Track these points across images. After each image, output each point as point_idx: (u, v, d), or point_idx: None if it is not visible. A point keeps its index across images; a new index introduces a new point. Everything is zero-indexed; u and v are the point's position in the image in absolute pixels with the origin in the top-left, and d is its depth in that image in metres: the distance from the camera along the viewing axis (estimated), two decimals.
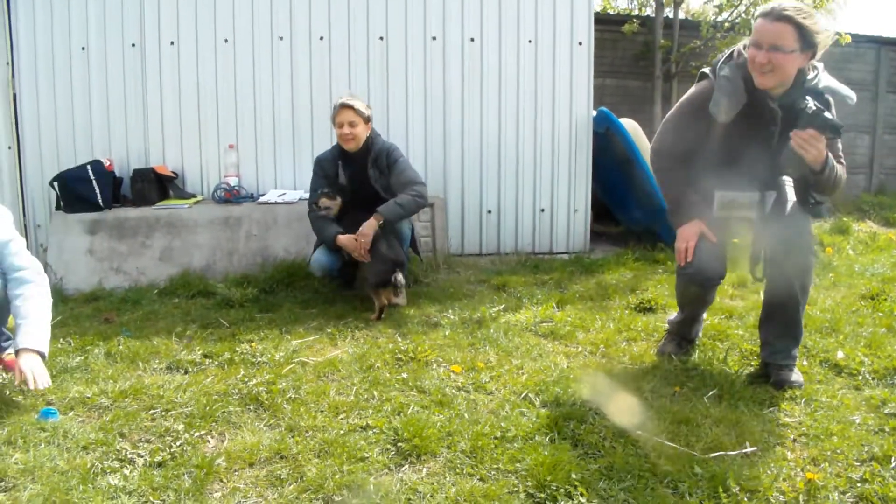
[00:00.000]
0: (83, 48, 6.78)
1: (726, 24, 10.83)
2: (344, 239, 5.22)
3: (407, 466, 2.98)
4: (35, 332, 3.64)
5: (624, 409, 3.50)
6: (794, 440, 3.21)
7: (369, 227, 5.15)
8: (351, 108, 5.36)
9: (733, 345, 4.42)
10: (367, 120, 5.46)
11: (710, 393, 3.67)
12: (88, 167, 6.41)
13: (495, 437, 3.17)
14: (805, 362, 4.11)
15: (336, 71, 6.98)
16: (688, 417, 3.37)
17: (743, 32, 10.51)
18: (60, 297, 5.61)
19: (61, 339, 4.54)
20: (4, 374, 3.99)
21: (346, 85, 6.93)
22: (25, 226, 6.84)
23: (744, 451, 3.07)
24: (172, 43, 6.84)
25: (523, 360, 4.18)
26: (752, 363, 4.11)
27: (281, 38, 6.91)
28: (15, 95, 6.81)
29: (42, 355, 3.62)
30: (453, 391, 3.72)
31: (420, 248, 6.14)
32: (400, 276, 5.22)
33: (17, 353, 3.58)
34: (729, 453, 3.05)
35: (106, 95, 6.84)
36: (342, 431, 3.26)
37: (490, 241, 7.33)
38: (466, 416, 3.39)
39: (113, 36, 6.79)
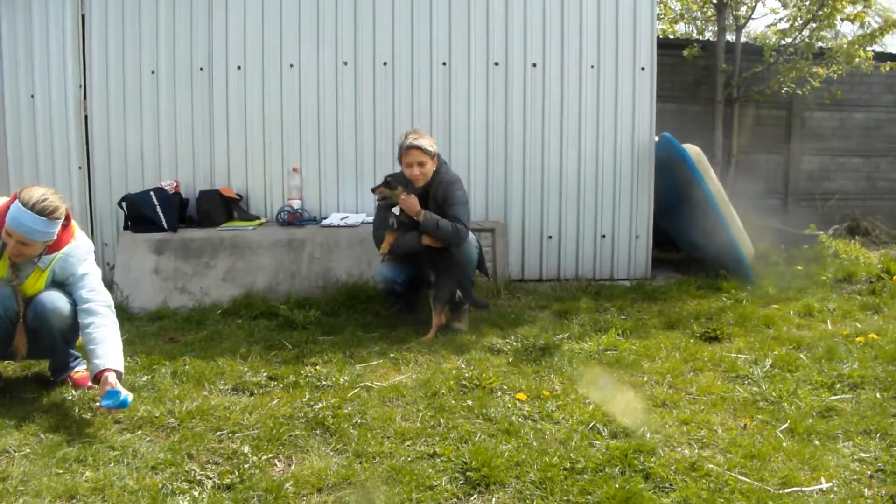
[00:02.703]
0: (153, 72, 6.92)
1: (790, 49, 10.66)
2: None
3: (476, 496, 2.96)
4: (111, 353, 3.81)
5: (694, 442, 3.44)
6: (871, 476, 3.13)
7: (415, 201, 5.33)
8: (419, 148, 5.36)
9: (804, 376, 4.33)
10: (434, 156, 5.46)
11: (782, 427, 3.59)
12: (152, 193, 6.55)
13: (564, 469, 3.14)
14: (878, 395, 4.00)
15: (399, 96, 7.03)
16: (760, 451, 3.31)
17: (806, 57, 10.35)
18: (126, 315, 5.70)
19: (128, 358, 4.59)
20: (74, 392, 4.07)
21: (409, 110, 7.00)
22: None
23: (819, 487, 3.01)
24: (239, 67, 6.95)
25: (589, 388, 4.13)
26: (824, 395, 4.01)
27: (345, 63, 6.98)
28: (86, 117, 6.97)
29: (119, 374, 3.76)
30: (520, 420, 3.69)
31: (487, 269, 6.13)
32: (458, 293, 5.31)
33: (98, 374, 3.72)
34: (804, 489, 2.98)
35: (174, 118, 6.97)
36: (410, 459, 3.26)
37: (550, 267, 7.27)
38: (535, 446, 3.36)
39: (182, 60, 6.93)
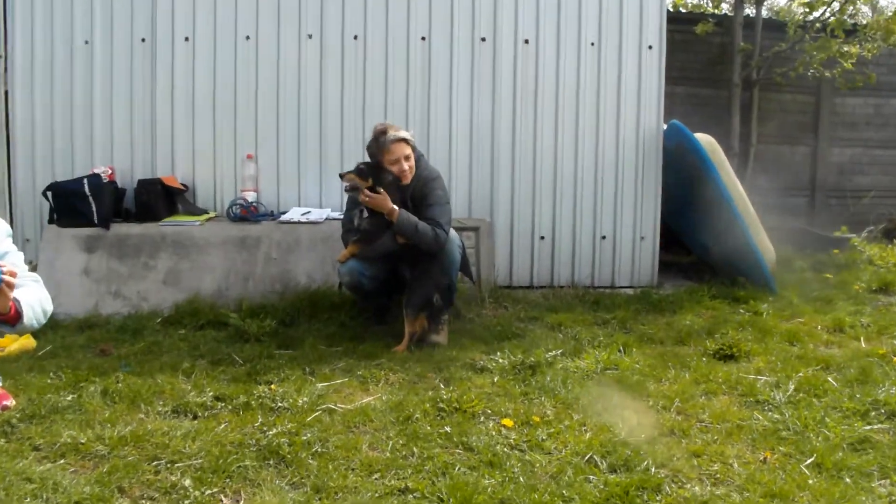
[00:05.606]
0: (86, 42, 6.85)
1: (817, 25, 10.71)
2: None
3: None
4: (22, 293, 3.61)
5: (706, 478, 3.43)
6: None
7: (385, 198, 5.23)
8: (406, 141, 5.41)
9: (832, 402, 4.32)
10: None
11: (808, 461, 3.57)
12: (85, 181, 6.43)
13: None
14: None
15: (372, 75, 7.00)
16: (782, 490, 3.29)
17: (836, 34, 10.39)
18: (50, 322, 5.60)
19: (51, 374, 4.56)
20: None
21: (382, 91, 6.98)
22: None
23: None
24: (187, 39, 6.89)
25: (585, 414, 4.11)
26: (857, 424, 4.00)
27: (310, 36, 6.94)
28: (7, 92, 6.88)
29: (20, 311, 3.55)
30: (505, 450, 3.66)
31: (472, 272, 6.12)
32: (437, 298, 5.29)
33: None
34: None
35: (110, 95, 6.90)
36: (377, 494, 3.22)
37: (543, 272, 7.27)
38: (522, 481, 3.33)
39: (120, 29, 6.86)
